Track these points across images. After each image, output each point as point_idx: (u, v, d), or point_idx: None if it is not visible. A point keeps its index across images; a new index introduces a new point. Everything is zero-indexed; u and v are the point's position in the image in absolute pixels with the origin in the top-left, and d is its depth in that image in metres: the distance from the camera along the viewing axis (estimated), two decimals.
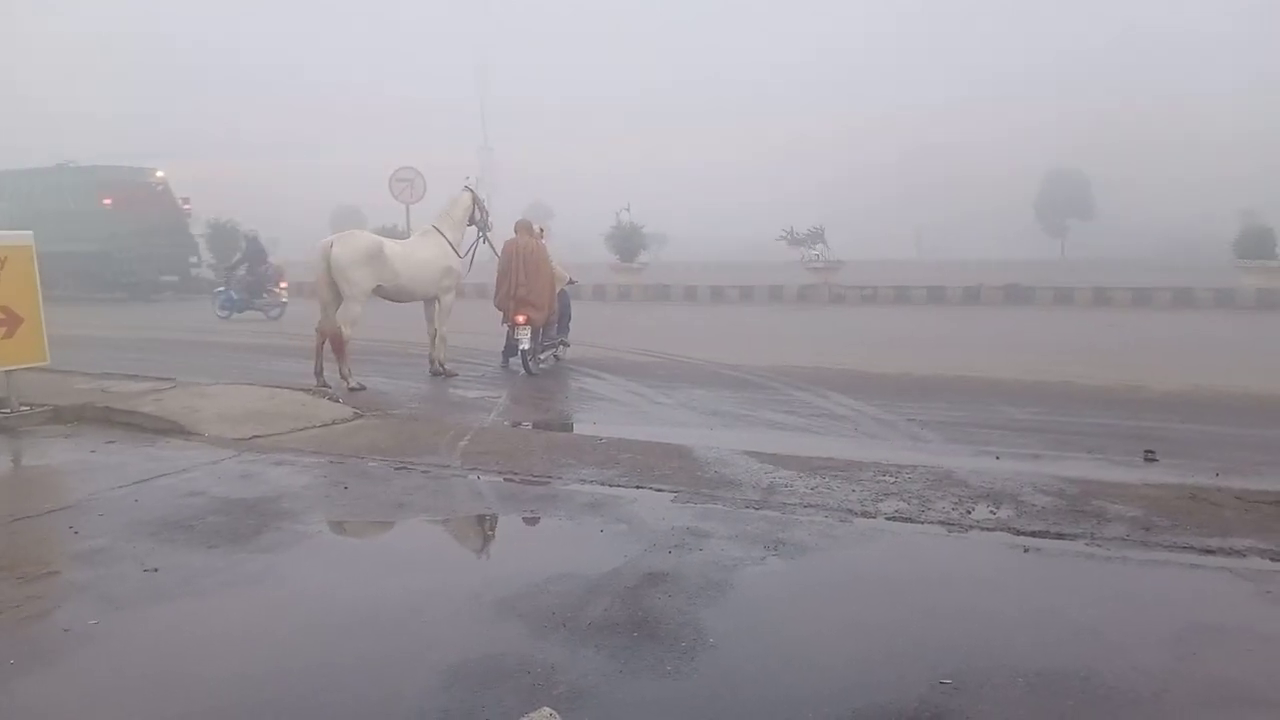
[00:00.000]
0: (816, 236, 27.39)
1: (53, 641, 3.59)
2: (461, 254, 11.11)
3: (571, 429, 8.54)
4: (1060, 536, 4.69)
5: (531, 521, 5.24)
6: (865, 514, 5.08)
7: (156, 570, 4.28)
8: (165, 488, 5.69)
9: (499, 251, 11.63)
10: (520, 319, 11.10)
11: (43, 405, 7.85)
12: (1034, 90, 57.74)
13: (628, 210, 28.40)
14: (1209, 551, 4.47)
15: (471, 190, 11.44)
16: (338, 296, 9.88)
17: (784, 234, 27.94)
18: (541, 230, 12.19)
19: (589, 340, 13.45)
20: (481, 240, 11.59)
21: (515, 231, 11.73)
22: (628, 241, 29.01)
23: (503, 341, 11.85)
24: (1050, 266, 33.14)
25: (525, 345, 11.10)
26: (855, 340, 15.56)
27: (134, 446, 6.84)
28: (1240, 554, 4.44)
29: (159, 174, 28.86)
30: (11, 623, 3.76)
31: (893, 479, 5.75)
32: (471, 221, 11.31)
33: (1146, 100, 52.66)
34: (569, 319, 12.81)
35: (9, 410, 7.63)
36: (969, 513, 5.08)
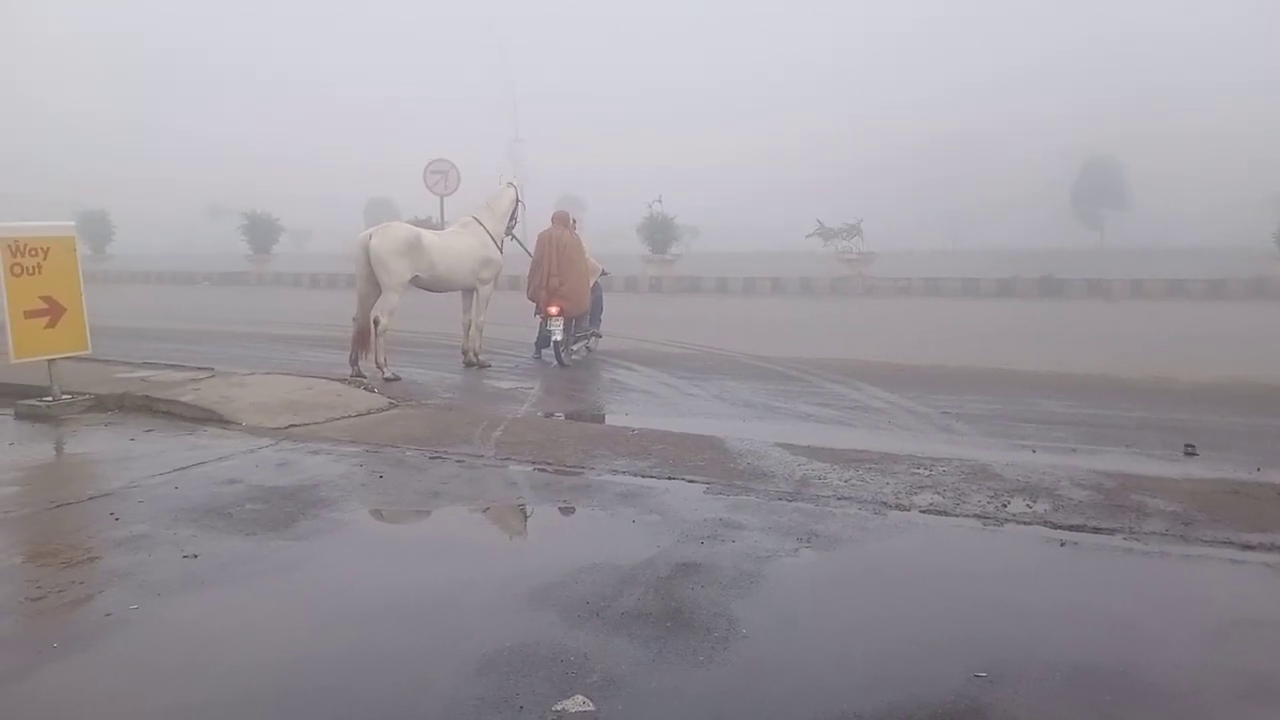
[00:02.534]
0: (852, 230, 27.22)
1: (95, 626, 3.65)
2: (503, 249, 11.18)
3: (604, 420, 8.55)
4: (1098, 531, 4.64)
5: (565, 511, 5.26)
6: (899, 507, 5.06)
7: (196, 557, 4.34)
8: (204, 475, 5.76)
9: (529, 250, 11.69)
10: (553, 310, 11.14)
11: (84, 394, 7.97)
12: (1070, 79, 56.98)
13: (659, 202, 28.37)
14: (1249, 547, 4.41)
15: (515, 187, 11.53)
16: (376, 289, 9.96)
17: (816, 229, 27.80)
18: (575, 222, 12.21)
19: (621, 332, 13.47)
20: (509, 237, 11.63)
21: (552, 222, 11.77)
22: (659, 233, 28.99)
23: (535, 333, 11.89)
24: (1086, 257, 32.73)
25: (558, 336, 11.13)
26: (888, 332, 15.47)
27: (173, 435, 6.94)
28: None
29: None
30: (55, 607, 3.83)
31: (927, 472, 5.71)
32: (511, 218, 11.37)
33: (1181, 89, 51.81)
34: (601, 310, 12.84)
35: (51, 398, 7.75)
36: (1005, 506, 5.03)
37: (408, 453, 6.39)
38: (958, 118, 56.18)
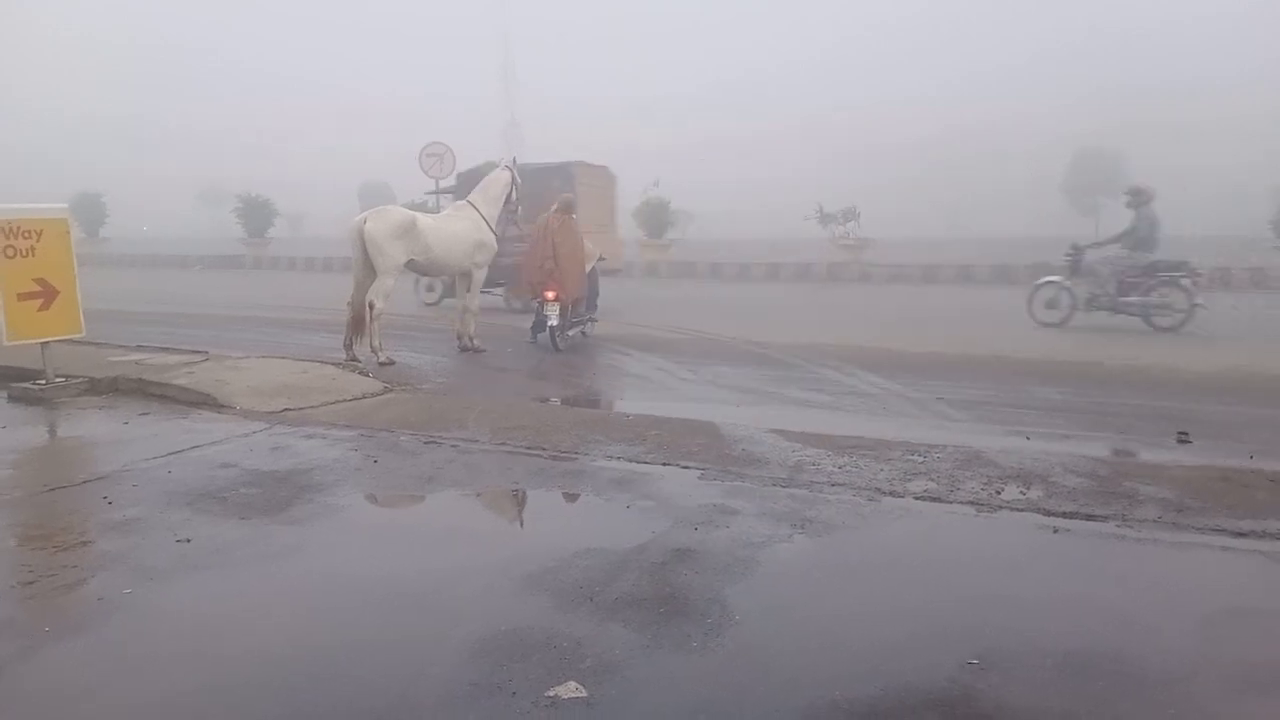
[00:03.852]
0: (849, 214, 27.14)
1: (87, 610, 3.65)
2: (497, 232, 11.15)
3: (599, 405, 8.56)
4: (1091, 518, 4.65)
5: (559, 497, 5.26)
6: (893, 493, 5.06)
7: (189, 541, 4.33)
8: (198, 459, 5.75)
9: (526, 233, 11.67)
10: (549, 295, 11.12)
11: (78, 377, 7.94)
12: (1069, 71, 56.86)
13: (656, 186, 28.29)
14: (1242, 534, 4.42)
15: (511, 170, 11.47)
16: (372, 273, 9.93)
17: (814, 213, 27.72)
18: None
19: (617, 317, 13.46)
20: (510, 222, 11.60)
21: (557, 208, 11.77)
22: (655, 218, 28.92)
23: (531, 318, 11.88)
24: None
25: (554, 321, 11.12)
26: (884, 318, 15.47)
27: (167, 418, 6.92)
28: (1274, 537, 4.38)
29: None
30: (47, 591, 3.82)
31: (921, 458, 5.72)
32: (506, 201, 11.33)
33: (1179, 78, 51.69)
34: (597, 295, 12.83)
35: (45, 381, 7.73)
36: (998, 493, 5.04)
37: (402, 437, 6.38)
38: (958, 110, 56.09)
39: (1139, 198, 13.47)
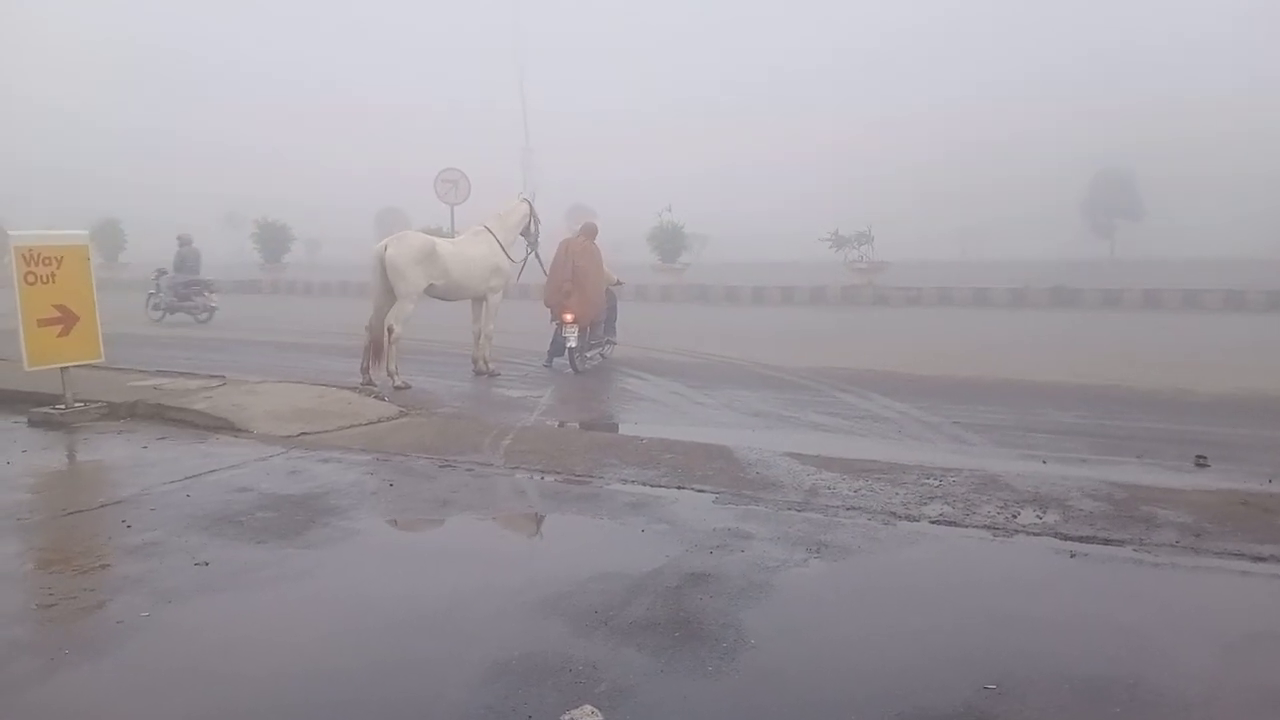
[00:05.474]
0: (863, 238, 27.19)
1: (106, 633, 3.66)
2: (513, 258, 11.26)
3: (614, 429, 8.57)
4: (1108, 542, 4.62)
5: (574, 520, 5.26)
6: (909, 517, 5.05)
7: (207, 564, 4.36)
8: (216, 483, 5.78)
9: (546, 269, 11.76)
10: (568, 317, 11.19)
11: (97, 401, 8.01)
12: (1081, 88, 56.83)
13: (669, 210, 28.41)
14: (1260, 559, 4.38)
15: (529, 203, 11.61)
16: (391, 297, 10.01)
17: (829, 236, 27.78)
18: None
19: (631, 341, 13.49)
20: (530, 253, 11.72)
21: (580, 231, 11.95)
22: (669, 242, 29.03)
23: (547, 341, 11.93)
24: (1098, 268, 32.61)
25: (572, 344, 11.19)
26: (899, 342, 15.45)
27: (185, 443, 6.97)
28: None
29: None
30: (67, 614, 3.84)
31: (937, 482, 5.70)
32: (523, 232, 11.46)
33: (1195, 96, 51.55)
34: (615, 319, 12.90)
35: (64, 406, 7.79)
36: (1014, 517, 5.02)
37: (418, 461, 6.41)
38: (971, 126, 56.10)
39: (182, 240, 21.16)
